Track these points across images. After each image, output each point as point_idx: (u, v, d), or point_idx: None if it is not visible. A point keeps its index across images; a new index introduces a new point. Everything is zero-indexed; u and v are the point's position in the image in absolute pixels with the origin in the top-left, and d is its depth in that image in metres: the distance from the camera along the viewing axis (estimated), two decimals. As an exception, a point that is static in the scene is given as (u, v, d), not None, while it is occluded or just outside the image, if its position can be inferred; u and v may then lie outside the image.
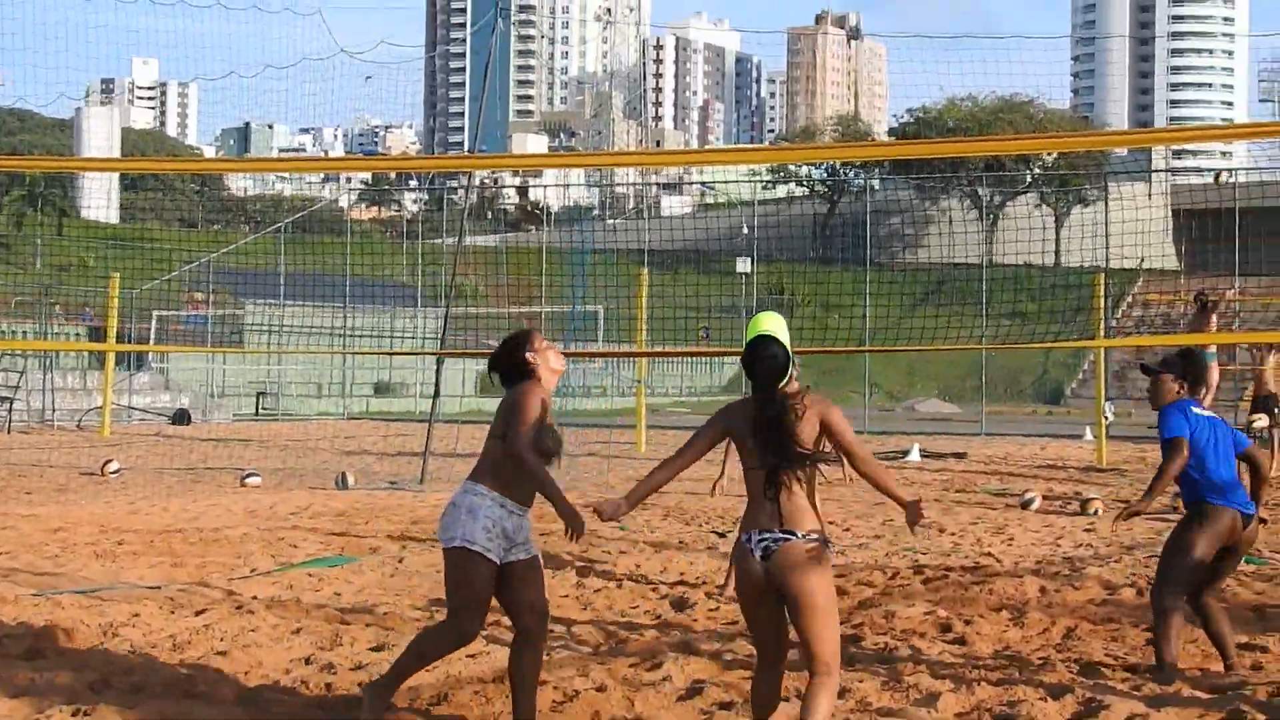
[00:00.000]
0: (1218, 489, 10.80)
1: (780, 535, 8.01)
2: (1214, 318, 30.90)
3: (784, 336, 8.42)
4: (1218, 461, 10.85)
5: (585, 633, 12.37)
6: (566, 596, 14.28)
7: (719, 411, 8.59)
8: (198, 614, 12.86)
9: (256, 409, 60.39)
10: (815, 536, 8.06)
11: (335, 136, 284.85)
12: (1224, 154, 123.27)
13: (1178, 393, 11.12)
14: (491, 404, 59.27)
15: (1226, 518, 10.76)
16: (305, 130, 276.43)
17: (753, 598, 8.18)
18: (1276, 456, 27.89)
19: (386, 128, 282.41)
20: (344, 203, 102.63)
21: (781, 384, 8.26)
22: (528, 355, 9.21)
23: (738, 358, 9.92)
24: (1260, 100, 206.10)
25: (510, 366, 9.25)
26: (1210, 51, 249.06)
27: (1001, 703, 9.76)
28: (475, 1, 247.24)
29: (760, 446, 8.16)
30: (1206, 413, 11.11)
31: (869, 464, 8.34)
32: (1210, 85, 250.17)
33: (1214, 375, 31.14)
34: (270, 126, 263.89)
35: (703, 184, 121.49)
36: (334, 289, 59.08)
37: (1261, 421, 28.12)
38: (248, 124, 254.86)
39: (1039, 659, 11.38)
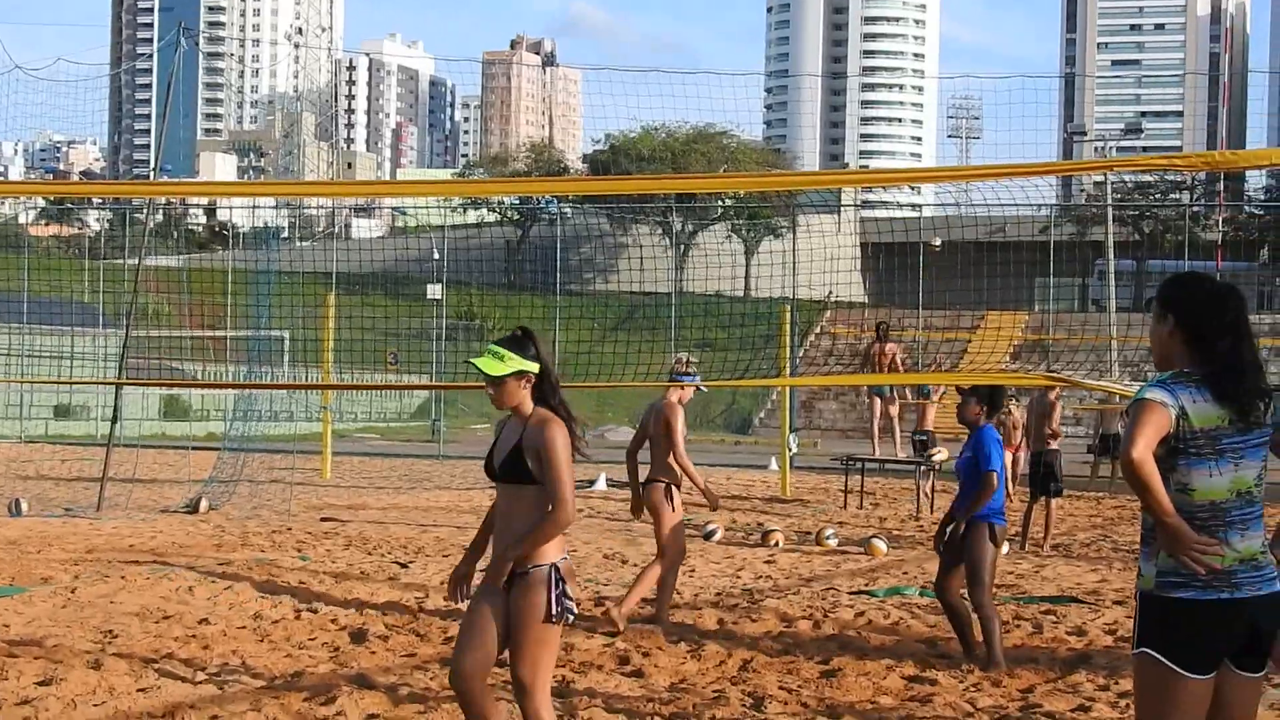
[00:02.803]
0: (1000, 509, 12.79)
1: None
2: (891, 350, 31.58)
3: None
4: (1001, 487, 12.70)
5: (260, 666, 12.18)
6: (244, 628, 14.05)
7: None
8: None
9: (-71, 431, 58.65)
10: None
11: (15, 151, 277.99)
12: (914, 189, 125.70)
13: (977, 414, 12.95)
14: (176, 428, 58.34)
15: (1000, 530, 12.80)
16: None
17: None
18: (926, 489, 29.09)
19: (69, 143, 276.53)
20: (23, 219, 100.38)
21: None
22: None
23: (427, 388, 9.90)
24: (949, 136, 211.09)
25: None
26: (901, 87, 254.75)
27: (674, 737, 9.81)
28: (161, 19, 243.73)
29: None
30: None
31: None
32: (901, 121, 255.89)
33: (894, 407, 31.86)
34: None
35: (394, 208, 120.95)
36: (11, 308, 57.49)
37: (940, 454, 28.79)
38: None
39: (714, 692, 11.46)
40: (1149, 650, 6.15)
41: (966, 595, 12.82)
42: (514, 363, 7.90)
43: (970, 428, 13.05)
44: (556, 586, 7.77)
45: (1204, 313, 6.24)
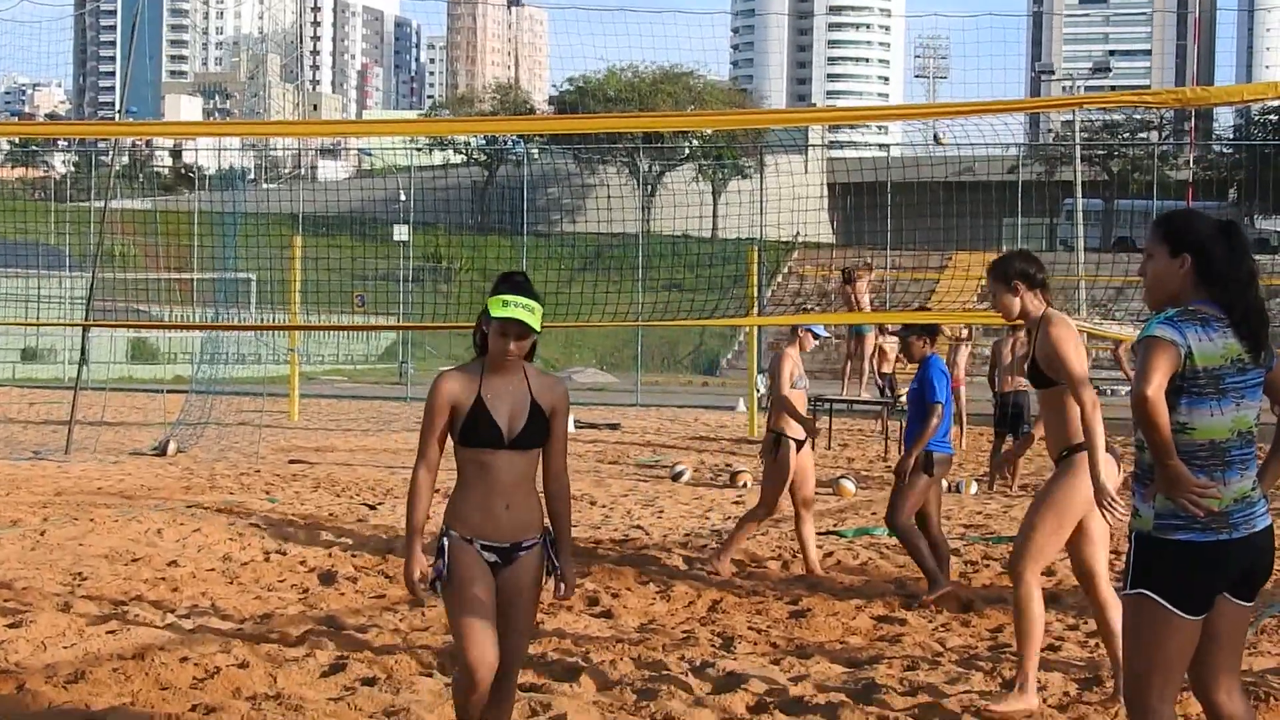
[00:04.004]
0: (941, 438, 13.02)
1: None
2: (864, 290, 31.63)
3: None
4: (947, 415, 13.06)
5: (229, 608, 12.17)
6: (213, 570, 14.05)
7: None
8: None
9: (-104, 376, 58.37)
10: None
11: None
12: (881, 129, 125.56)
13: (922, 348, 13.17)
14: (144, 371, 58.17)
15: (945, 457, 13.06)
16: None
17: None
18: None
19: (34, 86, 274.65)
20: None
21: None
22: None
23: (394, 329, 9.75)
24: (916, 76, 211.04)
25: None
26: (868, 26, 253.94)
27: (644, 677, 9.81)
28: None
29: None
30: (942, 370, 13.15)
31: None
32: (868, 60, 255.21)
33: (869, 344, 31.91)
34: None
35: (360, 149, 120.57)
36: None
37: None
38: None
39: (683, 632, 11.48)
40: (1145, 591, 6.15)
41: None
42: (539, 312, 7.15)
43: (919, 363, 13.22)
44: (549, 551, 7.33)
45: (1222, 249, 6.19)
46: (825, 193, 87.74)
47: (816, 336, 15.18)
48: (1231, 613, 6.27)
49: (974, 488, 21.78)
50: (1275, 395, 6.55)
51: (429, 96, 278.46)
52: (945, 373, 13.13)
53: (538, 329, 7.06)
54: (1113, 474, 8.96)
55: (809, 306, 42.27)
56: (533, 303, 7.07)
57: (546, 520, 7.34)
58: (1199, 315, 6.12)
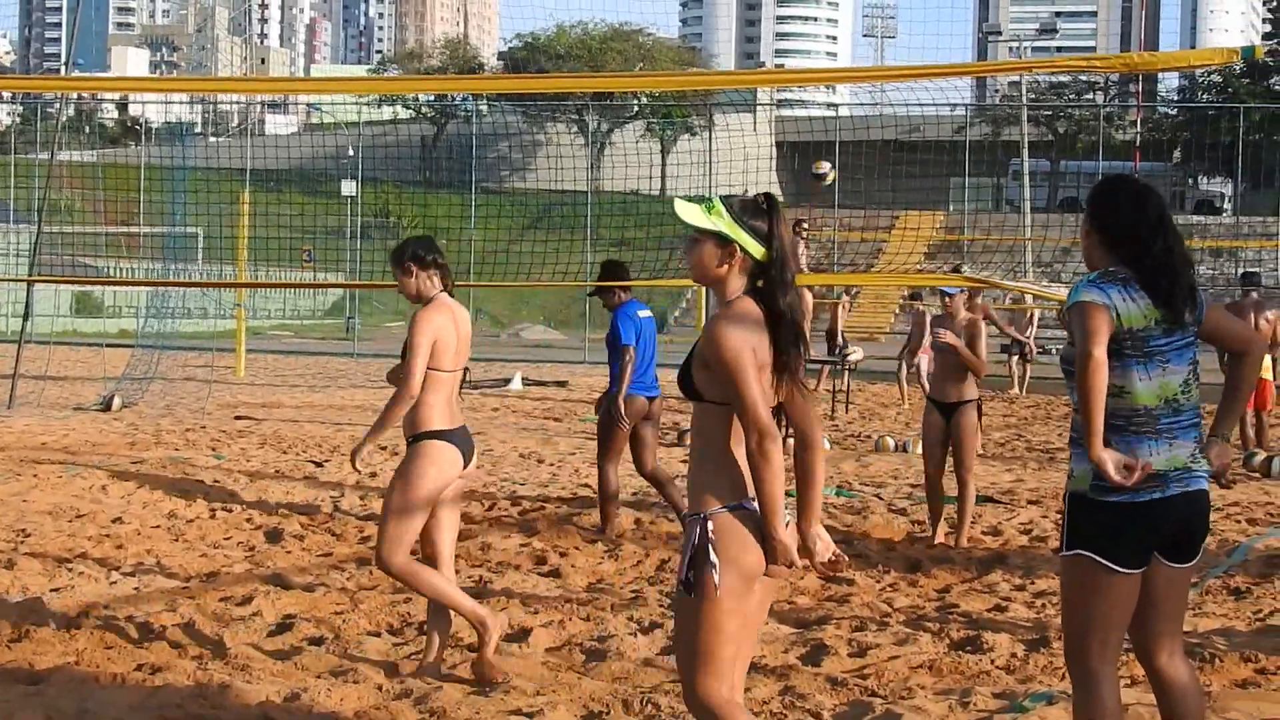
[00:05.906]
0: (642, 381, 13.77)
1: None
2: (802, 246, 31.84)
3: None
4: (648, 359, 13.82)
5: (175, 565, 12.12)
6: (158, 527, 13.98)
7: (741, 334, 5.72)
8: None
9: None
10: None
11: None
12: (829, 89, 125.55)
13: (619, 297, 13.74)
14: (88, 325, 57.89)
15: (640, 400, 13.76)
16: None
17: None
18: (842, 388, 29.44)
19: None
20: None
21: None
22: None
23: (342, 286, 9.66)
24: (864, 36, 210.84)
25: None
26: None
27: (592, 637, 9.80)
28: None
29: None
30: (647, 313, 13.91)
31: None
32: (816, 20, 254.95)
33: (808, 300, 31.94)
34: None
35: (309, 104, 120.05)
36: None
37: (856, 354, 29.05)
38: None
39: (632, 592, 11.46)
40: (1080, 551, 6.16)
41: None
42: (723, 223, 5.81)
43: (611, 310, 13.83)
44: (691, 535, 5.81)
45: (1126, 214, 6.22)
46: (774, 152, 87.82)
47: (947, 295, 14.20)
48: (1169, 576, 6.28)
49: (920, 447, 21.80)
50: (1215, 341, 6.57)
51: (377, 52, 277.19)
52: (633, 319, 13.58)
53: (689, 222, 5.88)
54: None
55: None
56: (720, 204, 5.87)
57: (706, 503, 5.74)
58: (1118, 276, 6.15)
